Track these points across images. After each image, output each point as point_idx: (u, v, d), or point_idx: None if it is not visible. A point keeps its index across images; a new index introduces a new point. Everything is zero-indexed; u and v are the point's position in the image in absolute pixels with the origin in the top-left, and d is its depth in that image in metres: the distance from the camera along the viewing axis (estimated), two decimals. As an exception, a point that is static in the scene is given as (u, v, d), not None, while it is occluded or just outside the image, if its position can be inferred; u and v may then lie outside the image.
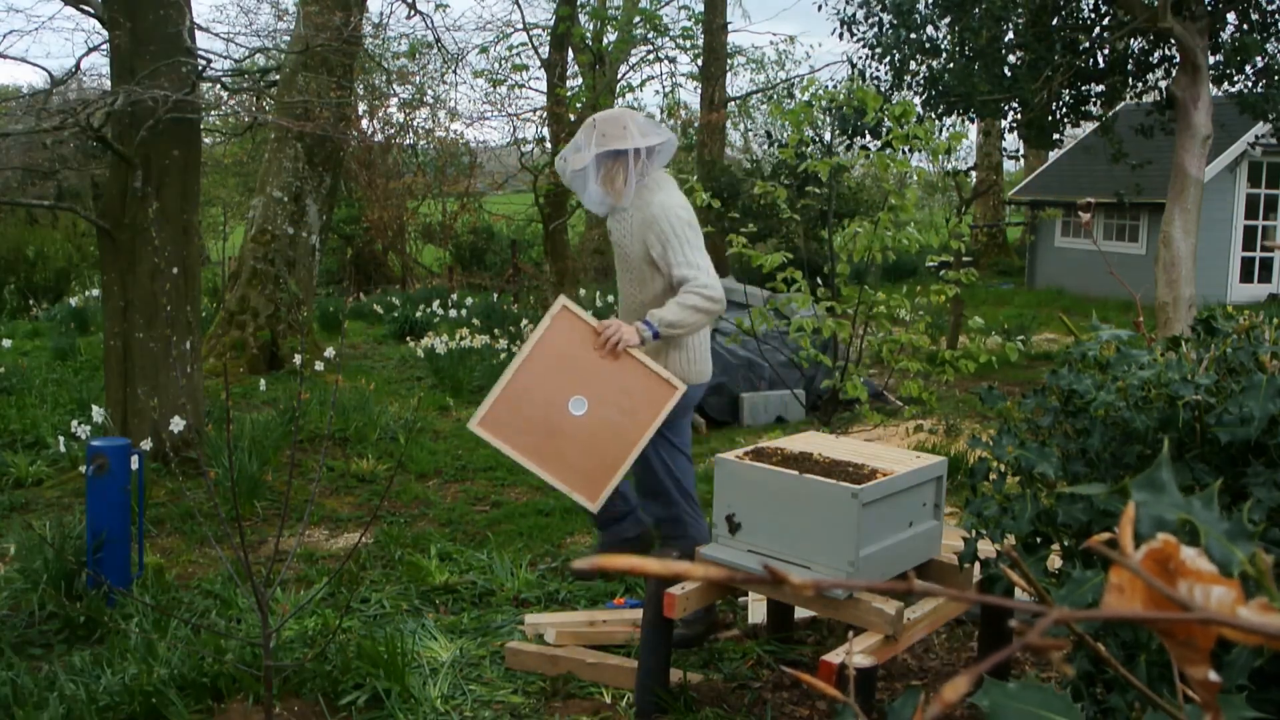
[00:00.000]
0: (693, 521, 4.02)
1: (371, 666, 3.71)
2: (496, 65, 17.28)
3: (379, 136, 16.01)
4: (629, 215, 3.90)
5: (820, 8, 13.01)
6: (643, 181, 3.90)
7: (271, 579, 4.13)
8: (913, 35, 9.67)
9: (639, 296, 3.91)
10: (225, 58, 8.22)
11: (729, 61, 17.67)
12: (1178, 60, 8.87)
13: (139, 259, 6.12)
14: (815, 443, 3.64)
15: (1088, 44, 9.83)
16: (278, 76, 8.10)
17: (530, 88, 18.12)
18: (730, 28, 16.51)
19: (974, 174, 16.43)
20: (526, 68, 17.27)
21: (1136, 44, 9.97)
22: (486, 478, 6.73)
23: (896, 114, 5.33)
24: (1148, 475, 0.79)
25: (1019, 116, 10.12)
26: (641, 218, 3.85)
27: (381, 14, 29.40)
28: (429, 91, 16.00)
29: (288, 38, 12.98)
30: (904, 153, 5.69)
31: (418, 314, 12.77)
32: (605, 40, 16.51)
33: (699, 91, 17.31)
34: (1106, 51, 9.97)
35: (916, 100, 9.70)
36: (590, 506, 3.67)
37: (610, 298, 13.70)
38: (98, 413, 6.46)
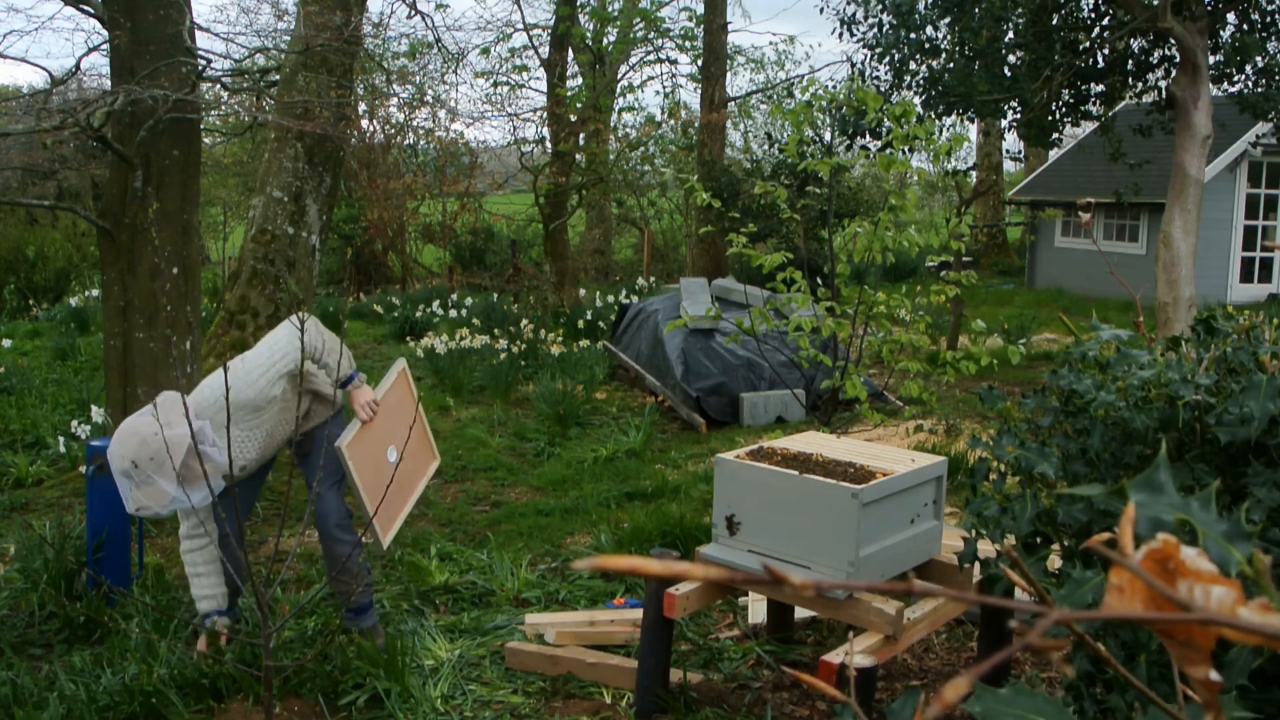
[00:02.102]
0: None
1: (371, 666, 3.71)
2: (497, 65, 17.27)
3: (379, 136, 16.01)
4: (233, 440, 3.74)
5: (821, 10, 13.00)
6: (204, 444, 3.55)
7: (271, 579, 4.13)
8: (913, 35, 9.67)
9: (283, 433, 3.92)
10: (225, 58, 8.22)
11: (729, 61, 17.67)
12: (1178, 60, 8.87)
13: (139, 259, 6.12)
14: (815, 443, 3.64)
15: (1088, 44, 9.83)
16: (278, 76, 8.10)
17: (530, 88, 18.13)
18: (730, 28, 16.50)
19: (974, 174, 16.42)
20: (527, 68, 17.27)
21: (1136, 44, 9.96)
22: (486, 478, 6.73)
23: (896, 114, 5.33)
24: (1146, 476, 0.79)
25: (1019, 116, 10.11)
26: (254, 394, 3.73)
27: (381, 14, 29.41)
28: (429, 91, 15.99)
29: (288, 38, 12.97)
30: (904, 153, 5.68)
31: (418, 314, 12.77)
32: (605, 40, 16.52)
33: (699, 92, 17.30)
34: (1106, 51, 9.96)
35: (916, 100, 9.69)
36: (384, 544, 4.00)
37: (610, 298, 13.70)
38: (98, 413, 6.46)
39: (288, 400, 3.87)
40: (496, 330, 11.17)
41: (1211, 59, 9.02)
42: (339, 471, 3.93)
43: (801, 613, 4.15)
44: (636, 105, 26.60)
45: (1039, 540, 2.32)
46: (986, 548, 3.00)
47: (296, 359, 3.79)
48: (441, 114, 16.28)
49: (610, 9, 16.34)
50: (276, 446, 3.94)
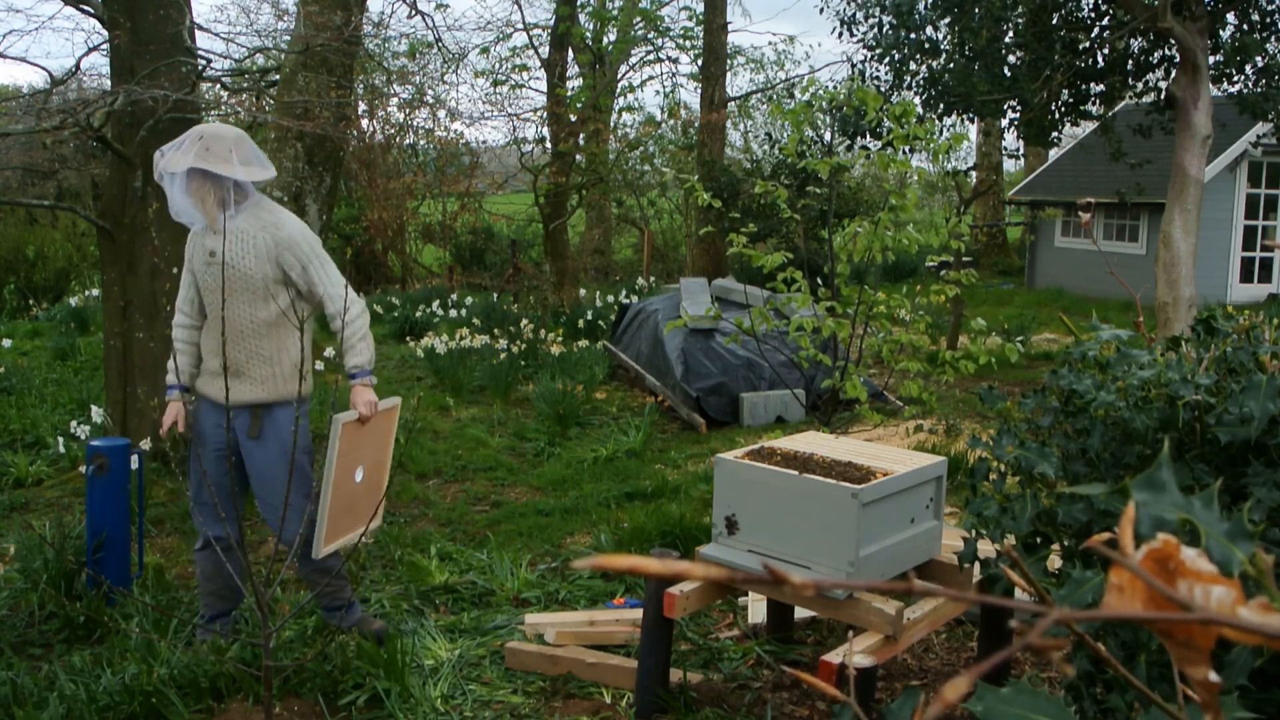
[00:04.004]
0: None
1: (371, 666, 3.71)
2: (497, 65, 17.27)
3: (379, 136, 16.00)
4: (248, 236, 3.82)
5: (821, 10, 12.99)
6: (243, 206, 3.81)
7: (271, 579, 4.13)
8: (912, 35, 9.67)
9: (258, 316, 3.84)
10: (225, 58, 8.23)
11: (729, 61, 17.66)
12: (1178, 60, 8.87)
13: (139, 259, 6.12)
14: (815, 443, 3.64)
15: (1088, 44, 9.83)
16: (278, 76, 8.10)
17: (530, 88, 18.13)
18: (730, 28, 16.50)
19: (974, 174, 16.42)
20: (527, 68, 17.27)
21: (1136, 44, 9.96)
22: (486, 478, 6.73)
23: (897, 114, 5.33)
24: (1148, 475, 0.79)
25: (1019, 116, 10.11)
26: (273, 239, 3.83)
27: (381, 14, 29.38)
28: (429, 91, 15.99)
29: (288, 38, 12.97)
30: (904, 153, 5.68)
31: (418, 314, 12.76)
32: (605, 40, 16.51)
33: (699, 91, 17.30)
34: (1106, 51, 9.96)
35: (916, 100, 9.70)
36: (319, 550, 3.90)
37: (610, 298, 13.70)
38: (97, 413, 6.46)
39: (270, 317, 3.82)
40: (496, 330, 11.17)
41: (1211, 59, 9.02)
42: (307, 483, 3.90)
43: (801, 613, 4.15)
44: (636, 105, 26.60)
45: (1039, 540, 2.32)
46: (986, 548, 3.00)
47: (313, 259, 3.85)
48: (441, 114, 16.28)
49: (610, 9, 16.34)
50: (216, 370, 3.84)
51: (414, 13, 13.70)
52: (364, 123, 15.08)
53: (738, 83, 21.79)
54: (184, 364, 3.98)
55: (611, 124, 16.89)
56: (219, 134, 3.80)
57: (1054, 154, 18.19)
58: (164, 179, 3.79)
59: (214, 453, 3.91)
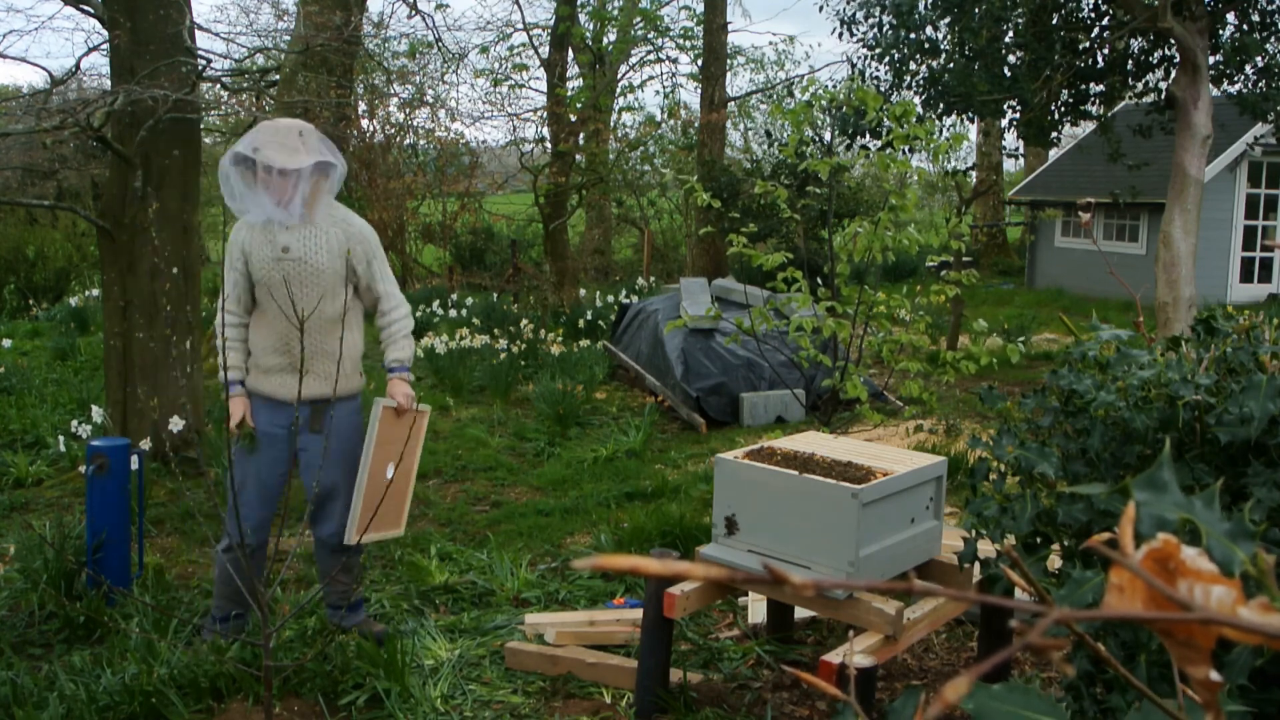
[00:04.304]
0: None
1: (371, 666, 3.71)
2: (497, 65, 17.27)
3: (379, 136, 16.00)
4: (321, 231, 3.87)
5: (821, 10, 12.99)
6: (322, 201, 3.88)
7: (271, 579, 4.13)
8: (912, 35, 9.67)
9: (325, 311, 3.88)
10: (225, 58, 8.22)
11: (729, 61, 17.66)
12: (1178, 60, 8.87)
13: (139, 259, 6.12)
14: (815, 443, 3.64)
15: (1088, 44, 9.83)
16: (278, 76, 8.10)
17: (530, 88, 18.14)
18: (730, 28, 16.49)
19: (974, 174, 16.42)
20: (527, 67, 17.27)
21: (1136, 44, 9.96)
22: (486, 478, 6.73)
23: (896, 114, 5.33)
24: (1149, 474, 0.79)
25: (1019, 116, 10.12)
26: (344, 234, 3.91)
27: (381, 14, 29.39)
28: (429, 91, 15.99)
29: (288, 38, 12.96)
30: (904, 153, 5.68)
31: (418, 314, 12.76)
32: (605, 40, 16.52)
33: (699, 91, 17.30)
34: (1106, 51, 9.96)
35: (916, 100, 9.70)
36: (351, 536, 3.92)
37: (610, 298, 13.69)
38: (98, 413, 6.46)
39: (335, 313, 3.88)
40: (496, 330, 11.17)
41: (1211, 59, 9.02)
42: (353, 473, 3.95)
43: (801, 613, 4.15)
44: (636, 105, 26.57)
45: (1039, 540, 2.32)
46: (986, 548, 3.00)
47: (376, 256, 3.95)
48: (441, 114, 16.29)
49: (610, 9, 16.34)
50: (284, 367, 3.85)
51: (414, 13, 13.69)
52: (364, 122, 15.08)
53: (738, 83, 21.81)
54: (238, 360, 3.93)
55: (611, 124, 16.89)
56: (303, 125, 3.85)
57: (1054, 154, 18.19)
58: (261, 175, 3.74)
59: (270, 451, 3.89)
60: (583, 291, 14.77)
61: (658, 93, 45.17)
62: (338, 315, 3.89)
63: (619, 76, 18.29)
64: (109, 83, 6.39)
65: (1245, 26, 9.23)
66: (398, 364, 4.02)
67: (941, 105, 9.71)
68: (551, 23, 16.33)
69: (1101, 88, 10.23)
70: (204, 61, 6.32)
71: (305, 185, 3.77)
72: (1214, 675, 0.64)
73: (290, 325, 3.77)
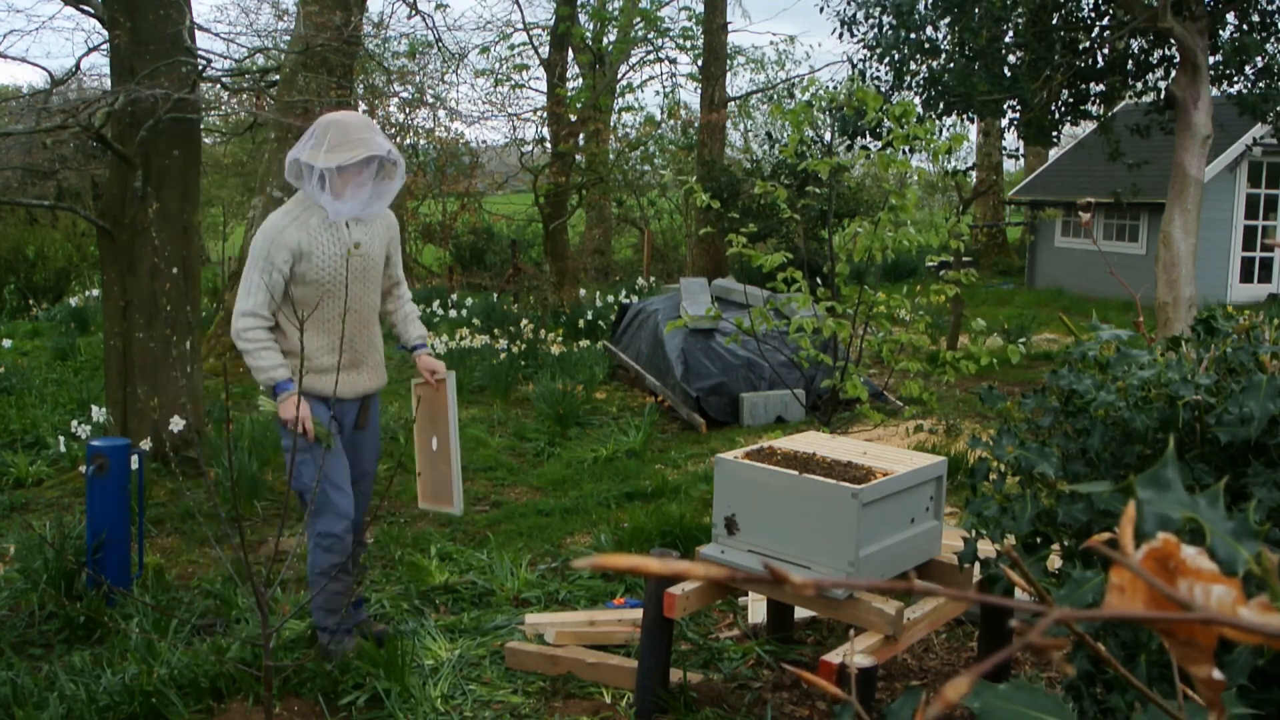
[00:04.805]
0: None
1: (371, 666, 3.71)
2: (497, 65, 17.27)
3: (379, 136, 15.97)
4: (374, 223, 3.87)
5: (821, 10, 13.00)
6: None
7: (271, 579, 4.13)
8: (912, 35, 9.67)
9: (376, 303, 3.98)
10: (225, 58, 8.22)
11: (729, 61, 17.66)
12: (1178, 60, 8.87)
13: (139, 259, 6.12)
14: (815, 443, 3.64)
15: (1088, 44, 9.83)
16: (278, 76, 8.10)
17: (530, 88, 18.13)
18: (730, 28, 16.50)
19: (974, 174, 16.42)
20: (527, 67, 17.27)
21: (1136, 44, 9.96)
22: (486, 478, 6.73)
23: (897, 114, 5.33)
24: (1153, 473, 0.79)
25: (1019, 116, 10.12)
26: (386, 223, 3.97)
27: (381, 14, 29.38)
28: (429, 91, 15.98)
29: (288, 38, 12.97)
30: (904, 153, 5.68)
31: (417, 314, 12.75)
32: (605, 40, 16.51)
33: (699, 92, 17.30)
34: (1106, 51, 9.97)
35: (916, 100, 9.70)
36: (456, 512, 4.17)
37: (610, 298, 13.69)
38: (98, 413, 6.46)
39: (378, 304, 3.98)
40: (496, 330, 11.17)
41: (1211, 59, 9.02)
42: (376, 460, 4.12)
43: (801, 613, 4.15)
44: (636, 105, 26.56)
45: (1039, 540, 2.32)
46: (986, 548, 3.00)
47: (399, 244, 4.05)
48: (441, 114, 16.28)
49: (610, 9, 16.33)
50: (348, 363, 3.85)
51: (414, 13, 13.70)
52: (364, 123, 15.05)
53: (738, 83, 21.80)
54: (277, 359, 3.75)
55: (611, 124, 16.89)
56: (365, 119, 3.90)
57: (1054, 154, 18.20)
58: (330, 172, 3.66)
59: (336, 445, 3.81)
60: (583, 291, 14.77)
61: (658, 93, 45.20)
62: (379, 306, 4.03)
63: (619, 76, 18.28)
64: (109, 83, 6.39)
65: (1245, 26, 9.23)
66: (421, 340, 4.15)
67: (941, 105, 9.71)
68: (551, 23, 16.34)
69: (1101, 88, 10.23)
70: (204, 61, 6.32)
71: (376, 175, 3.78)
72: (1217, 674, 0.64)
73: (354, 322, 3.82)
